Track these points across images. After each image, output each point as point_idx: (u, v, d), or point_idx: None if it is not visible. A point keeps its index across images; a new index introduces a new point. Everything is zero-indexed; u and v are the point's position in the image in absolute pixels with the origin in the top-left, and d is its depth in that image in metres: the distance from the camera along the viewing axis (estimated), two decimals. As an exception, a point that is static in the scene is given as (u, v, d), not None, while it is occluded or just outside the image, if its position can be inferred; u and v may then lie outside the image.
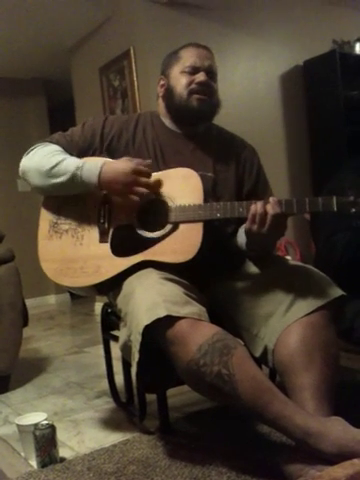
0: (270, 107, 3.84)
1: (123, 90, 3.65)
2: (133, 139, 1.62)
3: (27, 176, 1.59)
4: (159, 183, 1.51)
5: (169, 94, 1.62)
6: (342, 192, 1.38)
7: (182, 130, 1.64)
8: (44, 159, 1.54)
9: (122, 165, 1.49)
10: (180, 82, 1.59)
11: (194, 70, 1.58)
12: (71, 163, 1.51)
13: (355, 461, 1.06)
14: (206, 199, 1.48)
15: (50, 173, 1.52)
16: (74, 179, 1.50)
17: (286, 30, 3.88)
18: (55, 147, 1.59)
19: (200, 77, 1.57)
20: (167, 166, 1.56)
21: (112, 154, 1.59)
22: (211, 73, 1.61)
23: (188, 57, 1.60)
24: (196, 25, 3.45)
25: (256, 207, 1.35)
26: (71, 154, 1.59)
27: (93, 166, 1.50)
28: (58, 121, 4.65)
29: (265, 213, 1.34)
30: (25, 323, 2.41)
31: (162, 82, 1.67)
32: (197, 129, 1.65)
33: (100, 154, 1.60)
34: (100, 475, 1.38)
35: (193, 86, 1.57)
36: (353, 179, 1.86)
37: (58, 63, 4.44)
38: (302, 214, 1.37)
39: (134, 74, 3.49)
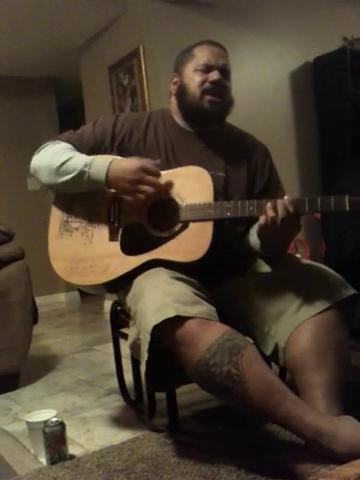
0: (280, 105, 3.82)
1: (132, 89, 3.65)
2: (144, 138, 1.61)
3: (37, 174, 1.60)
4: (168, 182, 1.51)
5: (182, 92, 1.61)
6: (352, 191, 1.37)
7: (194, 129, 1.64)
8: (54, 157, 1.54)
9: (130, 163, 1.49)
10: (193, 80, 1.57)
11: (208, 68, 1.57)
12: (80, 160, 1.51)
13: (365, 461, 1.05)
14: (217, 199, 1.47)
15: (59, 171, 1.52)
16: (82, 176, 1.50)
17: (296, 27, 3.85)
18: (65, 145, 1.59)
19: (214, 76, 1.56)
20: (178, 165, 1.55)
21: (123, 153, 1.59)
22: (225, 72, 1.60)
23: (202, 55, 1.59)
24: (205, 23, 3.44)
25: (266, 210, 1.34)
26: (81, 152, 1.59)
27: (101, 164, 1.50)
28: (68, 120, 4.65)
29: (276, 215, 1.33)
30: (35, 321, 2.42)
31: (175, 79, 1.66)
32: (209, 128, 1.64)
33: (111, 153, 1.60)
34: (109, 472, 1.38)
35: (207, 85, 1.56)
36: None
37: (67, 62, 4.44)
38: (314, 213, 1.36)
39: (143, 73, 3.49)
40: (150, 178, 1.47)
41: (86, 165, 1.49)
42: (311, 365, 1.30)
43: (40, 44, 4.06)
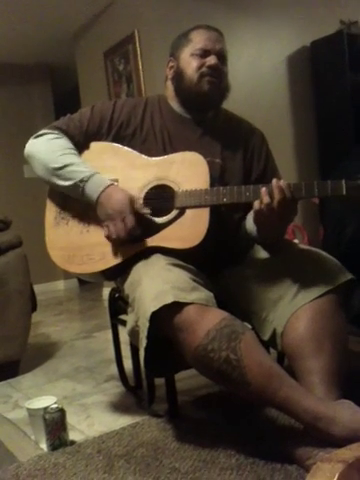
0: (277, 89, 3.80)
1: (128, 74, 3.62)
2: (141, 125, 1.60)
3: (32, 163, 1.58)
4: (163, 169, 1.49)
5: (178, 76, 1.60)
6: (350, 177, 1.37)
7: (190, 115, 1.62)
8: (52, 156, 1.52)
9: (123, 196, 1.46)
10: (190, 65, 1.56)
11: (205, 53, 1.56)
12: (78, 171, 1.49)
13: (363, 443, 1.06)
14: (213, 185, 1.46)
15: (55, 173, 1.51)
16: (76, 189, 1.49)
17: (292, 11, 3.81)
18: (65, 143, 1.56)
19: (211, 60, 1.55)
20: (175, 152, 1.54)
21: (120, 141, 1.58)
22: (222, 57, 1.58)
23: (199, 40, 1.57)
24: (201, 7, 3.40)
25: (261, 196, 1.33)
26: (79, 141, 1.58)
27: (96, 186, 1.48)
28: (63, 107, 4.61)
29: (271, 201, 1.32)
30: (34, 308, 2.42)
31: (171, 64, 1.64)
32: (205, 114, 1.63)
33: (106, 139, 1.59)
34: (110, 458, 1.39)
35: (204, 69, 1.55)
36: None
37: (63, 48, 4.40)
38: (311, 198, 1.36)
39: (139, 58, 3.46)
40: (130, 218, 1.43)
41: (82, 181, 1.48)
42: (309, 350, 1.30)
43: (35, 30, 4.02)
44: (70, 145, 1.57)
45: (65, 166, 1.50)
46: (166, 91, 1.68)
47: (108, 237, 1.47)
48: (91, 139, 1.59)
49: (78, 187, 1.48)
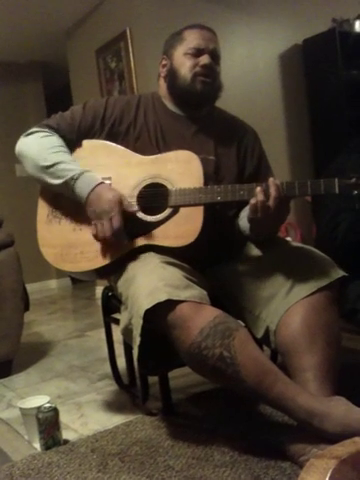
0: (269, 87, 3.80)
1: (120, 72, 3.61)
2: (134, 122, 1.59)
3: (22, 161, 1.57)
4: (157, 167, 1.49)
5: (172, 75, 1.59)
6: (344, 174, 1.37)
7: (184, 112, 1.62)
8: (43, 153, 1.51)
9: (112, 194, 1.45)
10: (184, 64, 1.56)
11: (198, 52, 1.55)
12: (68, 169, 1.48)
13: (356, 439, 1.07)
14: (207, 182, 1.46)
15: (45, 171, 1.50)
16: (66, 187, 1.48)
17: (284, 9, 3.81)
18: (56, 140, 1.55)
19: (204, 60, 1.54)
20: (168, 149, 1.54)
21: (113, 138, 1.57)
22: (215, 56, 1.58)
23: (192, 39, 1.57)
24: (193, 5, 3.39)
25: (256, 194, 1.33)
26: (71, 139, 1.57)
27: (86, 183, 1.47)
28: (55, 105, 4.59)
29: (266, 199, 1.32)
30: (26, 308, 2.41)
31: (164, 62, 1.63)
32: (199, 112, 1.63)
33: (99, 137, 1.58)
34: (104, 456, 1.39)
35: (197, 69, 1.54)
36: (355, 160, 1.84)
37: (54, 46, 4.38)
38: (304, 196, 1.36)
39: (131, 55, 3.45)
40: (116, 218, 1.42)
41: (72, 179, 1.47)
42: (302, 347, 1.31)
43: (26, 28, 3.99)
44: (61, 143, 1.56)
45: (55, 164, 1.49)
46: (159, 89, 1.67)
47: (95, 236, 1.46)
48: (84, 137, 1.58)
49: (68, 185, 1.47)
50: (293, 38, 3.86)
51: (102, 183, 1.48)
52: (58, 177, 1.49)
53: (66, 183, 1.47)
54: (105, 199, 1.44)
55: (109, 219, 1.42)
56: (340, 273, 1.41)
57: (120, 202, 1.44)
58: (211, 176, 1.53)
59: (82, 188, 1.47)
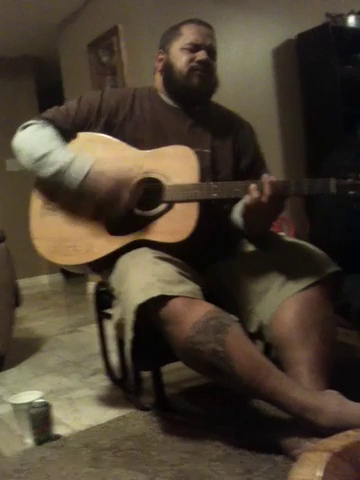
0: (263, 81, 3.79)
1: (112, 66, 3.59)
2: (130, 115, 1.58)
3: (19, 156, 1.56)
4: (153, 162, 1.48)
5: (168, 69, 1.59)
6: (338, 171, 1.37)
7: (180, 106, 1.61)
8: (36, 146, 1.50)
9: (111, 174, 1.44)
10: (181, 59, 1.55)
11: (195, 47, 1.55)
12: (57, 160, 1.46)
13: (349, 432, 1.07)
14: (203, 176, 1.46)
15: (37, 163, 1.48)
16: (58, 175, 1.46)
17: (279, 3, 3.80)
18: (50, 131, 1.54)
19: (201, 55, 1.54)
20: (165, 143, 1.53)
21: (109, 130, 1.56)
22: (212, 52, 1.58)
23: (189, 34, 1.56)
24: (186, 0, 3.37)
25: (251, 192, 1.33)
26: (66, 130, 1.56)
27: (80, 167, 1.44)
28: (47, 100, 4.57)
29: (261, 197, 1.32)
30: (18, 303, 2.40)
31: (160, 56, 1.63)
32: (194, 107, 1.62)
33: (95, 130, 1.57)
34: (96, 451, 1.38)
35: (194, 64, 1.54)
36: (349, 157, 1.84)
37: (46, 40, 4.34)
38: (300, 195, 1.37)
39: (123, 50, 3.43)
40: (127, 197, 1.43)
41: (61, 171, 1.44)
42: (295, 342, 1.31)
43: (18, 22, 3.96)
44: (54, 133, 1.54)
45: (46, 154, 1.47)
46: (155, 83, 1.66)
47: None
48: (79, 129, 1.57)
49: (60, 172, 1.45)
50: (287, 33, 3.86)
51: (95, 162, 1.45)
52: (50, 165, 1.46)
53: (58, 171, 1.45)
54: (107, 180, 1.42)
55: (118, 199, 1.42)
56: (334, 268, 1.41)
57: (122, 180, 1.43)
58: (207, 170, 1.53)
59: (77, 173, 1.44)
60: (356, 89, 3.60)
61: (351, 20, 3.89)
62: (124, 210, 1.45)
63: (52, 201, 1.56)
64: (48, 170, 1.47)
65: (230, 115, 1.72)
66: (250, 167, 1.63)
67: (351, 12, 3.89)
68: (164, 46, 1.62)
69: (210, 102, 1.68)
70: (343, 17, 3.88)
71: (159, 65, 1.64)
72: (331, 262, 1.42)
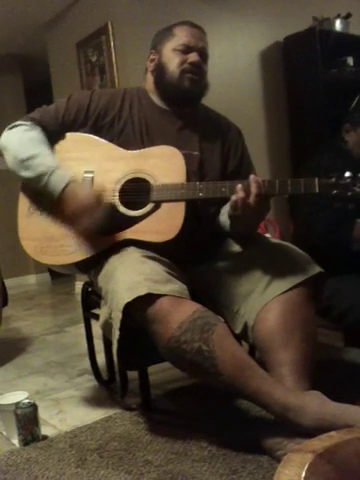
0: (250, 84, 3.81)
1: (101, 66, 3.58)
2: (119, 116, 1.58)
3: (4, 155, 1.56)
4: (140, 162, 1.48)
5: (159, 70, 1.59)
6: (321, 171, 1.39)
7: (170, 107, 1.62)
8: (23, 147, 1.50)
9: (83, 194, 1.44)
10: (173, 60, 1.56)
11: (187, 49, 1.56)
12: (43, 163, 1.47)
13: (332, 434, 1.08)
14: (190, 178, 1.47)
15: (22, 165, 1.48)
16: (40, 180, 1.46)
17: (266, 6, 3.82)
18: (36, 134, 1.54)
19: (193, 57, 1.55)
20: (153, 144, 1.53)
21: (97, 131, 1.56)
22: (203, 55, 1.59)
23: (182, 35, 1.57)
24: (175, 1, 3.38)
25: (237, 191, 1.34)
26: (54, 131, 1.56)
27: (60, 178, 1.45)
28: (35, 100, 4.55)
29: (247, 196, 1.33)
30: (4, 303, 2.39)
31: (152, 57, 1.63)
32: (184, 109, 1.63)
33: (83, 130, 1.57)
34: (82, 452, 1.39)
35: (186, 66, 1.55)
36: (332, 158, 1.87)
37: (34, 38, 4.31)
38: (284, 195, 1.38)
39: (112, 49, 3.42)
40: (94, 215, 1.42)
41: (46, 174, 1.45)
42: (278, 343, 1.32)
43: (5, 20, 3.93)
44: (41, 137, 1.54)
45: (31, 157, 1.47)
46: (145, 83, 1.67)
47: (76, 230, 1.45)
48: (68, 129, 1.57)
49: (42, 178, 1.45)
50: (274, 35, 3.88)
51: (72, 181, 1.46)
52: (33, 169, 1.47)
53: (40, 175, 1.46)
54: (82, 195, 1.43)
55: (87, 215, 1.41)
56: (317, 269, 1.43)
57: (97, 198, 1.43)
58: (194, 172, 1.54)
59: (57, 183, 1.45)
60: (341, 92, 3.64)
61: (338, 24, 3.92)
62: (86, 233, 1.45)
63: (39, 202, 1.56)
64: (32, 172, 1.47)
65: (218, 118, 1.73)
66: (237, 170, 1.65)
67: (338, 16, 3.92)
68: (156, 46, 1.63)
69: (200, 104, 1.69)
70: (330, 21, 3.91)
71: (150, 65, 1.64)
72: (314, 263, 1.44)
